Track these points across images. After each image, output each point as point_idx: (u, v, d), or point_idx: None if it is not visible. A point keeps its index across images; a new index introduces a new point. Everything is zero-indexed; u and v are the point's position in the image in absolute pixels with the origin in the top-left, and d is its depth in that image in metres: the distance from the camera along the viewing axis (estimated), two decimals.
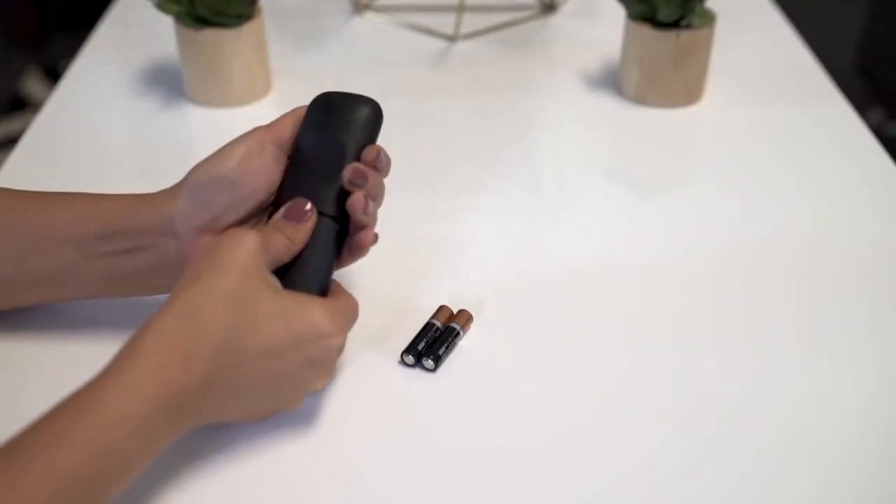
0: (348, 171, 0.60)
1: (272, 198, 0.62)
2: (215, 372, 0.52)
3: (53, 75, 2.58)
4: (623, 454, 0.58)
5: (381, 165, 0.61)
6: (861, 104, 1.85)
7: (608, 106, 0.96)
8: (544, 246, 0.76)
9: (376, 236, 0.62)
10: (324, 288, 0.59)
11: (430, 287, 0.71)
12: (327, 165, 0.60)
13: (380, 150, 0.61)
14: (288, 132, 0.62)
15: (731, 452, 0.58)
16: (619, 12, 0.98)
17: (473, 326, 0.67)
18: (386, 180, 0.63)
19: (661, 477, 0.56)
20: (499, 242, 0.76)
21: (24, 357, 0.64)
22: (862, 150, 0.89)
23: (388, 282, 0.71)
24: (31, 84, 2.59)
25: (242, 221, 0.61)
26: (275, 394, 0.56)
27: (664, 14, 0.90)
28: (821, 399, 0.62)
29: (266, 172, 0.61)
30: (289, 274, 0.58)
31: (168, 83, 0.98)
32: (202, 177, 0.60)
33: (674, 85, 0.93)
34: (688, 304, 0.70)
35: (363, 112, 0.62)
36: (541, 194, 0.85)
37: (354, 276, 0.71)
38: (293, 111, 0.63)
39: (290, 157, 0.62)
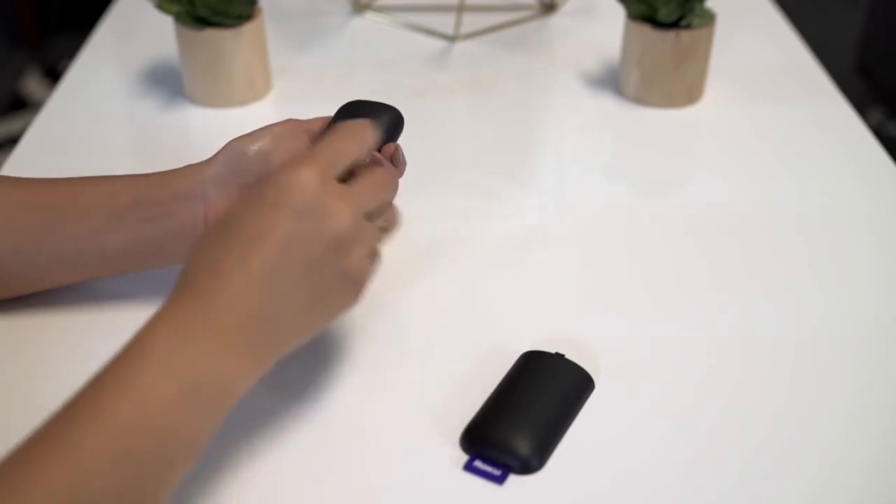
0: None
1: None
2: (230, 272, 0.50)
3: (53, 75, 2.58)
4: (620, 449, 0.58)
5: (397, 162, 0.66)
6: (861, 104, 1.85)
7: (608, 106, 0.96)
8: (544, 245, 0.76)
9: None
10: None
11: (428, 287, 0.71)
12: None
13: (398, 148, 0.66)
14: (318, 127, 0.67)
15: (727, 449, 0.58)
16: (619, 12, 0.98)
17: (471, 327, 0.67)
18: None
19: (662, 472, 0.56)
20: (498, 242, 0.76)
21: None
22: (862, 150, 0.89)
23: (384, 280, 0.71)
24: (31, 84, 2.59)
25: None
26: (303, 267, 0.51)
27: (664, 14, 0.90)
28: (822, 396, 0.62)
29: (296, 154, 0.64)
30: None
31: (168, 83, 0.99)
32: (240, 146, 0.64)
33: (673, 85, 0.93)
34: (688, 303, 0.70)
35: (385, 117, 0.67)
36: (540, 194, 0.85)
37: None
38: (324, 116, 0.68)
39: None
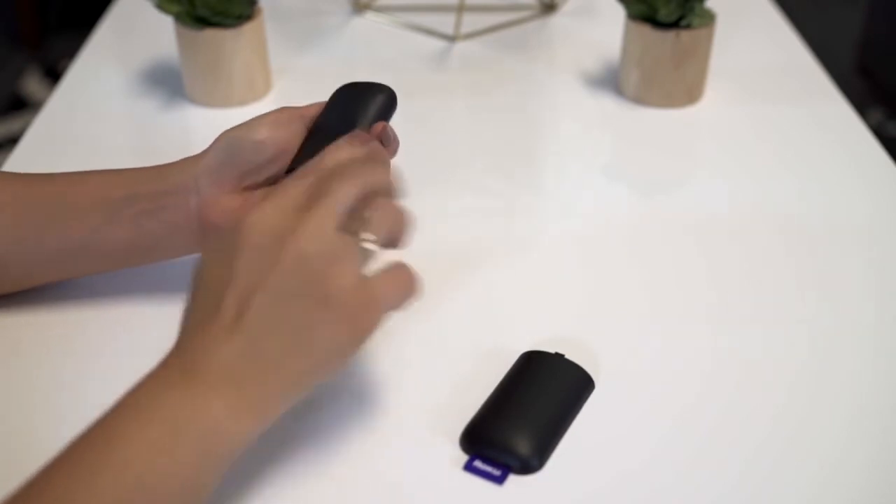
0: (348, 136, 0.62)
1: None
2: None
3: (53, 75, 2.58)
4: (620, 449, 0.58)
5: (387, 141, 0.64)
6: (861, 104, 1.85)
7: (608, 106, 0.96)
8: (543, 245, 0.76)
9: None
10: None
11: (427, 286, 0.71)
12: (338, 136, 0.64)
13: (386, 126, 0.64)
14: (314, 113, 0.66)
15: (727, 449, 0.58)
16: (619, 12, 0.98)
17: (471, 327, 0.67)
18: None
19: (662, 472, 0.56)
20: (497, 242, 0.76)
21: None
22: (862, 150, 0.89)
23: None
24: (31, 84, 2.59)
25: (262, 185, 0.65)
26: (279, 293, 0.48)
27: (664, 14, 0.90)
28: (822, 396, 0.62)
29: (290, 142, 0.64)
30: None
31: (168, 83, 0.99)
32: (233, 137, 0.64)
33: (674, 85, 0.93)
34: (688, 303, 0.70)
35: (377, 96, 0.67)
36: (540, 194, 0.85)
37: None
38: (318, 102, 0.67)
39: (308, 132, 0.66)
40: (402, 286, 0.52)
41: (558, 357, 0.62)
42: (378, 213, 0.52)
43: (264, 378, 0.48)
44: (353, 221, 0.51)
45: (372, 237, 0.51)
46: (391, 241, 0.53)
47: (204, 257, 0.51)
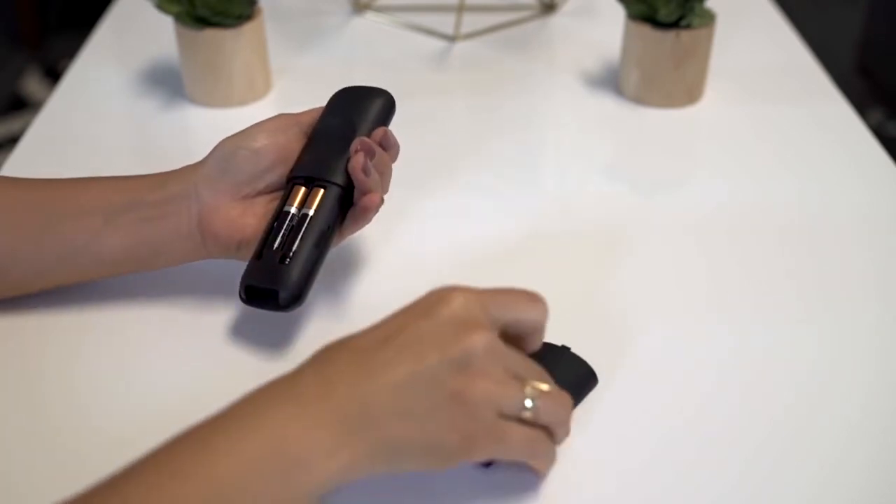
0: (356, 143, 0.64)
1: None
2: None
3: (53, 75, 2.58)
4: (620, 449, 0.58)
5: (387, 145, 0.66)
6: (861, 104, 1.85)
7: (608, 106, 0.96)
8: (544, 245, 0.76)
9: (382, 200, 0.64)
10: (322, 242, 0.63)
11: (428, 286, 0.71)
12: (339, 141, 0.66)
13: (387, 131, 0.66)
14: (311, 119, 0.67)
15: (728, 449, 0.58)
16: (619, 12, 0.98)
17: None
18: None
19: (662, 472, 0.56)
20: (498, 242, 0.76)
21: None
22: (862, 150, 0.89)
23: (385, 281, 0.71)
24: (31, 84, 2.60)
25: (261, 193, 0.65)
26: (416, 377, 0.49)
27: (664, 14, 0.90)
28: (822, 396, 0.62)
29: (289, 149, 0.65)
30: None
31: (168, 83, 0.99)
32: (229, 146, 0.64)
33: (674, 85, 0.93)
34: (688, 302, 0.70)
35: (376, 100, 0.68)
36: (540, 194, 0.85)
37: (352, 277, 0.71)
38: (315, 108, 0.69)
39: (308, 138, 0.67)
40: (534, 451, 0.53)
41: (564, 349, 0.62)
42: (547, 403, 0.52)
43: (369, 426, 0.48)
44: (529, 388, 0.52)
45: (528, 410, 0.52)
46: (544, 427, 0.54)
47: (412, 306, 0.52)
